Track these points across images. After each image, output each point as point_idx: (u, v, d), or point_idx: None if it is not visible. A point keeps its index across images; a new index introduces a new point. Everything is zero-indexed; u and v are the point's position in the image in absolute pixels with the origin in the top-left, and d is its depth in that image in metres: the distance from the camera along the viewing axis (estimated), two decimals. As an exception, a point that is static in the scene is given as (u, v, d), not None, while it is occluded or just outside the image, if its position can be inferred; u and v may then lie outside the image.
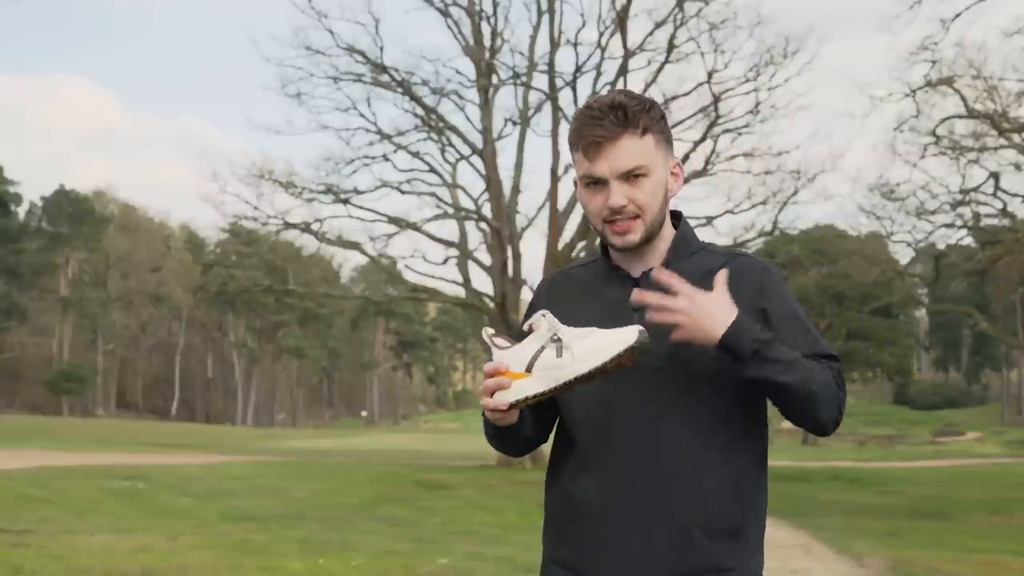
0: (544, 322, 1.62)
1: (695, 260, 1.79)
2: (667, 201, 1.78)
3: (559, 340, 1.60)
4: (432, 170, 25.50)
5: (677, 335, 1.63)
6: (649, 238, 1.75)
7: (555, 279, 1.93)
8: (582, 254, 23.61)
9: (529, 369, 1.62)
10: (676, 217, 1.86)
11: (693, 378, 1.69)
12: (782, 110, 24.67)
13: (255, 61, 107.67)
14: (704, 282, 1.74)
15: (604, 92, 1.79)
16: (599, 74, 24.36)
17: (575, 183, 1.84)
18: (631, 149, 1.70)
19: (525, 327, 1.65)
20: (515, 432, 1.78)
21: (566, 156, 24.31)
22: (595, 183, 1.73)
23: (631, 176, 1.71)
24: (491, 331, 1.68)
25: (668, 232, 1.81)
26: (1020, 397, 73.80)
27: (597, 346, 1.58)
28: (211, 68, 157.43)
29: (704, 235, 1.86)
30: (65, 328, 71.41)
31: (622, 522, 1.70)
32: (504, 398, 1.63)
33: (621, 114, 1.69)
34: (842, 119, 53.91)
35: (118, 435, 36.63)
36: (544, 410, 1.84)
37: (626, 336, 1.57)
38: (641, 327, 1.58)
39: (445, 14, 24.62)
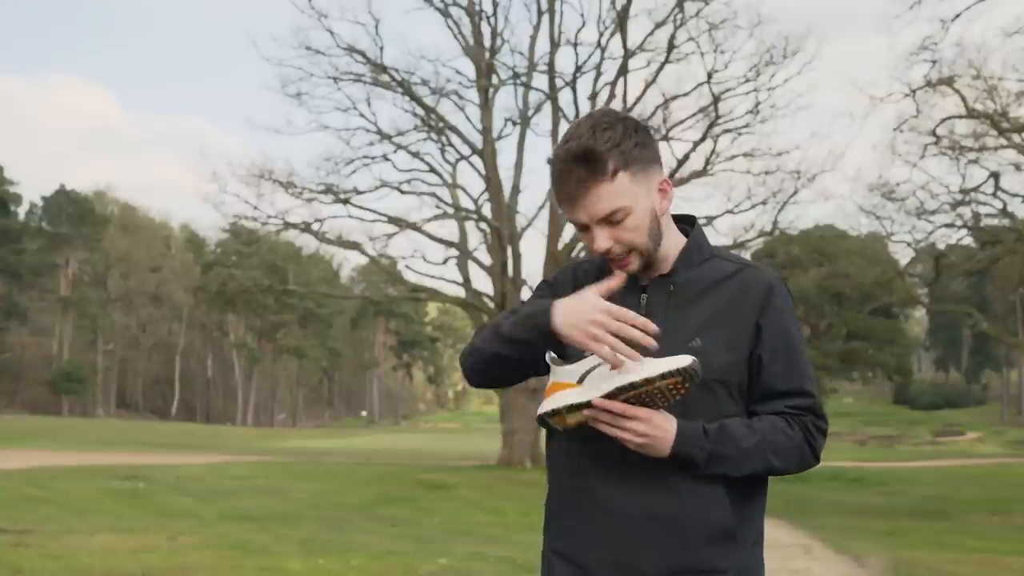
0: None
1: (704, 268, 1.79)
2: (658, 222, 1.76)
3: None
4: (432, 170, 25.52)
5: (637, 449, 1.64)
6: (649, 263, 1.76)
7: (582, 267, 1.92)
8: (582, 254, 23.61)
9: (580, 381, 1.63)
10: (690, 222, 1.85)
11: (692, 390, 1.68)
12: (782, 110, 24.73)
13: (255, 61, 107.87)
14: (713, 290, 1.76)
15: (581, 117, 1.75)
16: (599, 74, 24.38)
17: None
18: (604, 195, 1.68)
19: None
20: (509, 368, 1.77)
21: (566, 156, 24.28)
22: (581, 227, 1.74)
23: (611, 218, 1.70)
24: (553, 355, 1.68)
25: (677, 239, 1.81)
26: (1020, 397, 73.76)
27: (649, 364, 1.59)
28: (211, 68, 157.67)
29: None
30: (65, 328, 71.41)
31: (618, 519, 1.71)
32: (544, 407, 1.65)
33: (589, 165, 1.67)
34: (842, 119, 54.02)
35: (118, 435, 36.63)
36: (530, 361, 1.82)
37: (679, 359, 1.58)
38: (693, 357, 1.58)
39: (445, 14, 24.63)
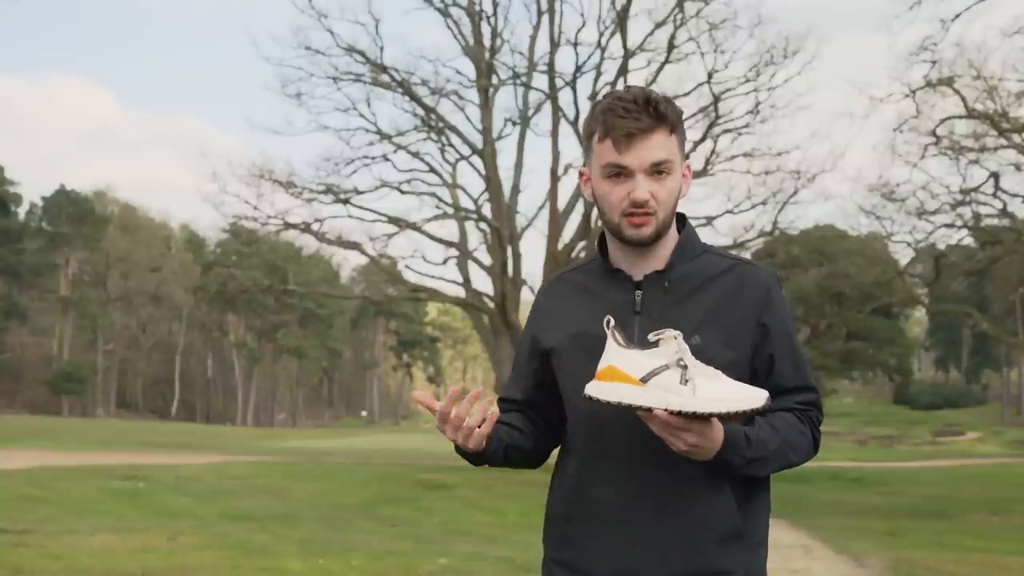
0: (674, 343, 1.57)
1: (698, 263, 1.79)
2: (677, 202, 1.78)
3: (685, 367, 1.55)
4: (432, 170, 25.50)
5: (681, 453, 1.62)
6: (659, 235, 1.75)
7: (551, 286, 1.92)
8: (582, 254, 23.60)
9: (644, 380, 1.56)
10: (680, 220, 1.85)
11: None
12: (782, 110, 24.66)
13: (255, 60, 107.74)
14: (708, 285, 1.76)
15: (623, 87, 1.78)
16: (599, 74, 24.38)
17: (580, 174, 1.84)
18: (662, 143, 1.71)
19: (651, 337, 1.59)
20: (517, 452, 1.82)
21: (566, 156, 24.27)
22: (619, 174, 1.72)
23: (656, 171, 1.71)
24: (613, 321, 1.62)
25: (672, 234, 1.80)
26: (1020, 397, 73.75)
27: (724, 395, 1.54)
28: (210, 67, 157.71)
29: (704, 235, 1.85)
30: (65, 328, 71.37)
31: (625, 525, 1.71)
32: (599, 393, 1.58)
33: (655, 109, 1.70)
34: (842, 119, 53.82)
35: (118, 435, 36.60)
36: (548, 416, 1.85)
37: (753, 397, 1.54)
38: (768, 394, 1.55)
39: (445, 14, 24.62)
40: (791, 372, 1.76)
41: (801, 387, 1.77)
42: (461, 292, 25.70)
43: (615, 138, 1.70)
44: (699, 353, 1.65)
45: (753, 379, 1.74)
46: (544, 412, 1.85)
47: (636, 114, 1.69)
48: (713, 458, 1.63)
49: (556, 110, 24.04)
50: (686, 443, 1.58)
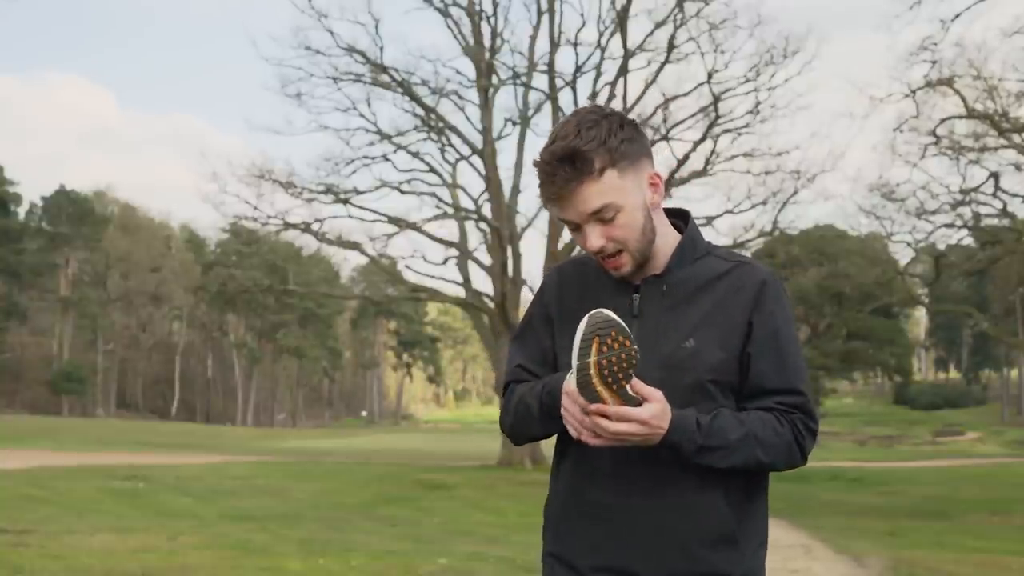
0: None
1: (699, 266, 1.77)
2: (651, 217, 1.74)
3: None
4: (432, 170, 25.52)
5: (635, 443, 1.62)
6: (643, 262, 1.74)
7: (565, 269, 1.91)
8: (583, 254, 23.59)
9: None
10: (684, 218, 1.83)
11: (686, 391, 1.68)
12: (782, 110, 24.69)
13: (254, 60, 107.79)
14: (707, 288, 1.74)
15: (566, 116, 1.74)
16: (599, 74, 24.41)
17: None
18: (592, 193, 1.66)
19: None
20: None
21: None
22: (573, 228, 1.73)
23: (601, 215, 1.68)
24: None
25: (671, 237, 1.78)
26: (1020, 397, 73.77)
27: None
28: (210, 67, 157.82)
29: (704, 235, 1.80)
30: (65, 328, 71.37)
31: (616, 526, 1.71)
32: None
33: (571, 166, 1.65)
34: (842, 119, 53.81)
35: (118, 435, 36.62)
36: None
37: (580, 328, 1.56)
38: (592, 314, 1.55)
39: (445, 14, 24.63)
40: (773, 372, 1.72)
41: (783, 389, 1.72)
42: (461, 292, 25.71)
43: (546, 201, 1.72)
44: (694, 355, 1.66)
45: (741, 378, 1.73)
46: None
47: (553, 176, 1.66)
48: (663, 441, 1.60)
49: (556, 110, 24.05)
50: (628, 418, 1.55)
